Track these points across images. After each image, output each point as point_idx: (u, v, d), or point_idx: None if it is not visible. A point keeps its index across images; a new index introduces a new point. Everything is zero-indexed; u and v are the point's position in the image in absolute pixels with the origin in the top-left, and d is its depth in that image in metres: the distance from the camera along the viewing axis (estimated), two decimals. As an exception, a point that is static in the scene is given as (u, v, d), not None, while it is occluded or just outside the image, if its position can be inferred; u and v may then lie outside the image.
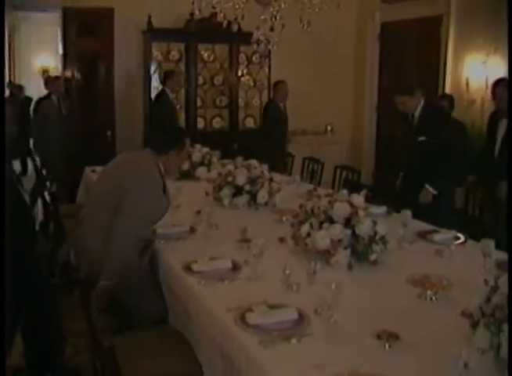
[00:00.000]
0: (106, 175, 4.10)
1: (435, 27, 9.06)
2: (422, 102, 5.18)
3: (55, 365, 3.87)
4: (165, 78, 8.49)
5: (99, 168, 6.02)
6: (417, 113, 5.19)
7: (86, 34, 8.92)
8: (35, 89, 12.64)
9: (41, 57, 14.58)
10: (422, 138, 5.02)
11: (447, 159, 4.98)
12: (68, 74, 9.00)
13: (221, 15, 5.04)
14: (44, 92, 11.20)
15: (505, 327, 2.09)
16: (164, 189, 3.98)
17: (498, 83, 5.84)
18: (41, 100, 8.79)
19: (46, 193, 5.38)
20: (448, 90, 8.80)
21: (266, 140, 8.31)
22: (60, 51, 9.20)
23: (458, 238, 3.97)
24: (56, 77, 8.63)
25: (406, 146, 5.22)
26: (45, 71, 13.81)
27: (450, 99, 7.28)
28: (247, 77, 9.56)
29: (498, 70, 8.04)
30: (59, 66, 9.72)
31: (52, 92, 8.43)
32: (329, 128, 10.18)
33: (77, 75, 8.99)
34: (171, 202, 4.12)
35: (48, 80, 8.81)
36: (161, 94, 8.44)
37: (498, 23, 7.78)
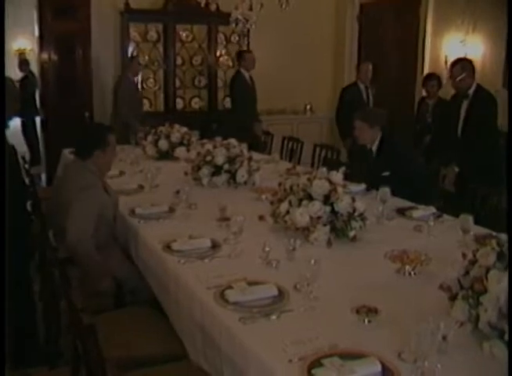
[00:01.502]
0: (55, 194, 4.24)
1: (414, 6, 9.07)
2: (379, 137, 5.01)
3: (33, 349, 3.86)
4: (238, 59, 8.47)
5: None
6: (375, 148, 5.04)
7: (62, 16, 8.80)
8: (12, 72, 12.50)
9: (17, 40, 14.39)
10: (386, 173, 4.80)
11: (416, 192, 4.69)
12: (45, 56, 8.90)
13: (200, -6, 5.01)
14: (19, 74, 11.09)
15: (483, 299, 2.11)
16: (106, 189, 4.03)
17: (455, 63, 5.83)
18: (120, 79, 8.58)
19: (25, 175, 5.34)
20: (427, 68, 8.83)
21: (338, 126, 8.28)
22: (36, 33, 9.08)
23: (436, 214, 3.98)
24: (133, 58, 8.51)
25: (370, 181, 4.83)
26: (21, 54, 13.63)
27: (438, 78, 7.40)
28: (226, 57, 9.52)
29: (476, 49, 8.10)
30: (36, 49, 9.60)
31: (131, 73, 8.28)
32: (308, 107, 10.19)
33: (54, 57, 8.89)
34: (115, 198, 4.14)
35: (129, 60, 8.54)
36: (237, 75, 8.37)
37: (477, 3, 7.82)
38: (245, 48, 9.38)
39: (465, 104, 5.67)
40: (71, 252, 3.64)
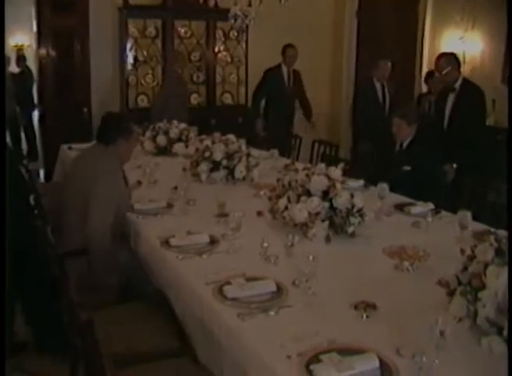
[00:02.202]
0: (70, 179, 4.18)
1: (413, 3, 9.07)
2: (412, 135, 5.09)
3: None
4: (282, 53, 8.24)
5: (75, 146, 5.98)
6: (405, 144, 5.12)
7: (61, 11, 8.77)
8: (10, 67, 12.49)
9: (15, 35, 14.37)
10: (407, 168, 4.92)
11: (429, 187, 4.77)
12: (43, 51, 8.88)
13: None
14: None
15: (481, 295, 2.11)
16: (124, 177, 4.08)
17: (440, 57, 5.91)
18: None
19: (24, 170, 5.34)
20: (425, 65, 8.84)
21: (353, 127, 8.02)
22: (34, 28, 9.07)
23: (434, 210, 3.98)
24: (177, 51, 8.53)
25: (391, 175, 4.79)
26: (19, 49, 13.62)
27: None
28: (224, 53, 9.48)
29: (475, 45, 8.11)
30: (34, 44, 9.59)
31: (177, 66, 8.37)
32: (306, 103, 10.16)
33: (52, 52, 8.87)
34: (130, 188, 4.19)
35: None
36: (276, 66, 8.23)
37: (476, 0, 7.82)
38: (244, 44, 9.37)
39: (451, 97, 5.75)
40: (89, 239, 3.65)
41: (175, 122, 6.31)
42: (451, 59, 5.82)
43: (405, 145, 5.13)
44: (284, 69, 8.22)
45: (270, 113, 8.14)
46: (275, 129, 7.98)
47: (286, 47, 8.25)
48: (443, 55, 6.01)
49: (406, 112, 5.19)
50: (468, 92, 5.70)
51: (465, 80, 5.77)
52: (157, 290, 3.30)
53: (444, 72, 5.73)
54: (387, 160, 5.23)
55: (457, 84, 5.71)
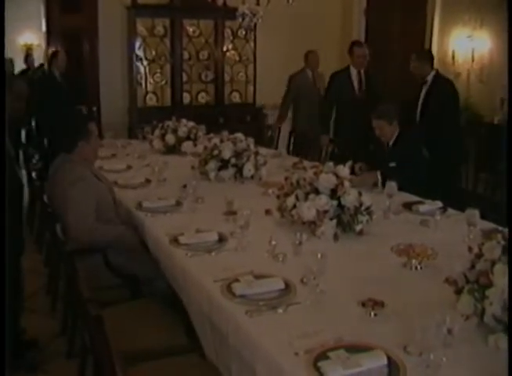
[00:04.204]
0: (47, 193, 4.13)
1: (421, 2, 9.05)
2: (397, 132, 4.99)
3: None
4: (348, 52, 7.19)
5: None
6: (391, 142, 5.02)
7: (70, 11, 8.84)
8: (19, 67, 12.57)
9: (24, 35, 14.42)
10: (393, 164, 4.80)
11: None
12: (52, 50, 8.92)
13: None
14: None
15: (488, 293, 2.12)
16: (97, 176, 4.03)
17: (413, 53, 6.28)
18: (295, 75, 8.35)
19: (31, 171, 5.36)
20: (434, 64, 8.81)
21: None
22: (44, 28, 9.11)
23: (443, 209, 3.99)
24: (311, 51, 8.40)
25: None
26: (28, 49, 13.68)
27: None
28: (233, 51, 9.52)
29: (483, 44, 8.10)
30: (43, 43, 9.64)
31: (309, 67, 8.29)
32: (315, 101, 10.16)
33: (61, 51, 8.91)
34: (109, 184, 4.16)
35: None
36: (344, 69, 7.21)
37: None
38: (252, 43, 9.38)
39: (424, 90, 6.07)
40: (78, 243, 3.63)
41: (184, 121, 6.33)
42: (421, 54, 6.29)
43: (391, 143, 5.04)
44: (353, 72, 7.07)
45: (339, 125, 7.28)
46: (346, 144, 6.91)
47: (353, 45, 7.16)
48: (415, 51, 6.43)
49: (383, 111, 5.01)
50: (438, 83, 6.04)
51: (437, 73, 6.14)
52: (168, 287, 3.32)
53: (412, 66, 6.15)
54: (378, 159, 5.18)
55: (429, 78, 6.06)
